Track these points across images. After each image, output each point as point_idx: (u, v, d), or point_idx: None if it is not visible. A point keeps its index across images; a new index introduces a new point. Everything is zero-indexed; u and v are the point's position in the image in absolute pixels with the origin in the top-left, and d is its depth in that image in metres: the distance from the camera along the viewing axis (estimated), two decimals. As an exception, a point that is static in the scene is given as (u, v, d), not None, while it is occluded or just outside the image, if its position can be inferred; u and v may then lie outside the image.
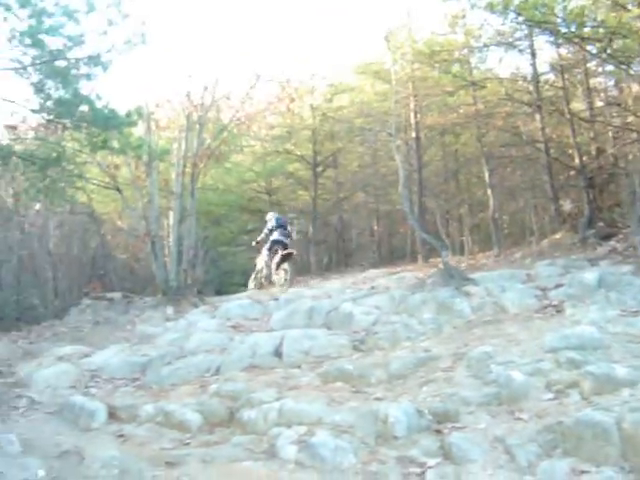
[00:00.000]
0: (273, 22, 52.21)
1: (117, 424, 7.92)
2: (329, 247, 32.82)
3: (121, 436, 7.42)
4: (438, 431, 6.65)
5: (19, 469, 6.13)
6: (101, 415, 8.06)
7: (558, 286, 11.78)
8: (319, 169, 29.58)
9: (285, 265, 17.02)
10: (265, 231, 18.28)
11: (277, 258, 16.95)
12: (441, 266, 14.36)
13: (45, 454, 6.65)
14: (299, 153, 29.80)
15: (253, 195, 31.28)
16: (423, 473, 5.91)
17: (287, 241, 17.21)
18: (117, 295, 17.71)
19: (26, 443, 6.87)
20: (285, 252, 16.83)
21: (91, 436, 7.47)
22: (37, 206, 20.39)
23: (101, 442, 7.19)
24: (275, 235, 17.31)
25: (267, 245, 17.59)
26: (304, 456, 6.33)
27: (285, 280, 16.81)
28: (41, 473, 6.12)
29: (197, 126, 19.93)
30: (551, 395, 6.92)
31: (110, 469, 6.23)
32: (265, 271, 17.94)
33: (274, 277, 17.57)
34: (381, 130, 24.64)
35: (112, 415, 8.16)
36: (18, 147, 14.42)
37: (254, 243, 18.97)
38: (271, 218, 18.28)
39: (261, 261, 18.31)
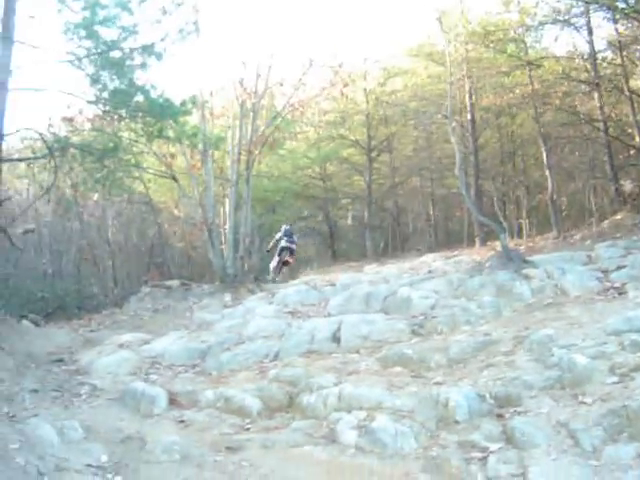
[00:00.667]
0: (326, 6, 51.89)
1: (178, 410, 7.98)
2: (385, 232, 32.68)
3: (182, 422, 7.48)
4: (500, 415, 6.57)
5: (82, 454, 6.21)
6: (162, 401, 8.13)
7: (620, 268, 11.54)
8: (373, 154, 29.44)
9: (284, 269, 20.13)
10: (275, 238, 19.91)
11: (280, 264, 19.50)
12: (499, 249, 14.18)
13: (107, 440, 6.73)
14: (353, 138, 29.70)
15: (308, 181, 31.29)
16: (485, 458, 5.83)
17: (293, 246, 19.43)
18: (175, 283, 17.88)
19: (89, 429, 6.96)
20: (285, 259, 19.40)
21: (152, 422, 7.54)
22: (95, 196, 20.68)
23: (162, 428, 7.25)
24: (283, 242, 19.28)
25: (277, 251, 19.49)
26: (364, 441, 6.31)
27: (282, 280, 19.48)
28: (104, 458, 6.19)
29: (251, 113, 19.97)
30: (615, 378, 6.75)
31: (172, 454, 6.29)
32: (272, 274, 19.64)
33: (277, 278, 19.49)
34: (436, 113, 24.44)
35: (172, 401, 8.23)
36: (75, 138, 14.58)
37: (267, 251, 20.77)
38: (281, 229, 20.12)
39: (272, 265, 19.92)
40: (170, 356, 10.60)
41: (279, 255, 19.45)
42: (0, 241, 10.62)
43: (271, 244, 20.13)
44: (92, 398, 8.53)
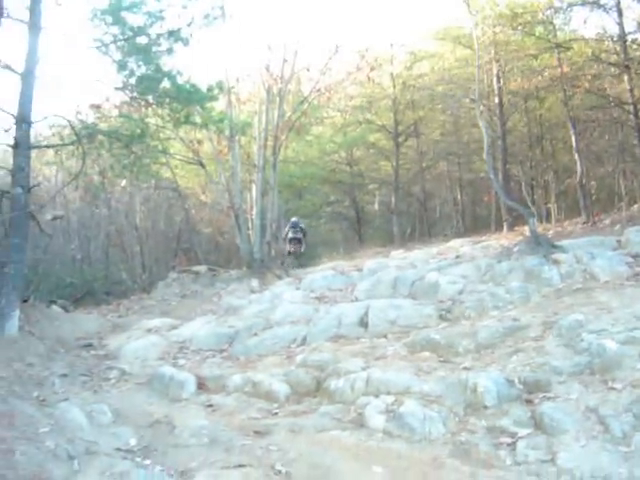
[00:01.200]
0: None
1: (206, 394, 8.04)
2: (412, 217, 32.58)
3: (210, 406, 7.52)
4: (529, 401, 6.52)
5: (111, 438, 6.27)
6: (190, 385, 8.19)
7: (650, 252, 11.42)
8: (400, 138, 29.28)
9: (292, 256, 21.43)
10: (285, 230, 21.32)
11: (289, 251, 21.12)
12: (528, 234, 14.07)
13: (136, 423, 6.80)
14: (380, 123, 29.55)
15: (334, 167, 31.25)
16: (514, 443, 5.82)
17: (299, 236, 21.08)
18: (202, 268, 17.98)
19: (118, 413, 7.04)
20: (292, 248, 21.06)
21: (181, 406, 7.60)
22: (123, 182, 20.78)
23: (191, 412, 7.30)
24: (290, 234, 20.89)
25: (287, 241, 21.11)
26: (392, 426, 6.30)
27: (292, 265, 20.55)
28: (133, 442, 6.25)
29: (277, 99, 19.95)
30: (646, 364, 6.68)
31: (200, 438, 6.33)
32: (285, 260, 20.57)
33: (288, 262, 20.30)
34: (463, 96, 24.26)
35: (201, 385, 8.30)
36: (103, 125, 14.63)
37: (283, 239, 21.78)
38: (290, 221, 21.64)
39: (285, 253, 21.26)
40: (198, 341, 10.68)
41: (289, 244, 20.90)
42: (29, 227, 10.67)
43: (284, 234, 21.14)
44: (121, 382, 8.61)
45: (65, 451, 5.57)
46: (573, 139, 21.01)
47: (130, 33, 11.88)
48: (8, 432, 5.56)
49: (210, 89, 13.05)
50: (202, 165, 19.52)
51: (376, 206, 34.63)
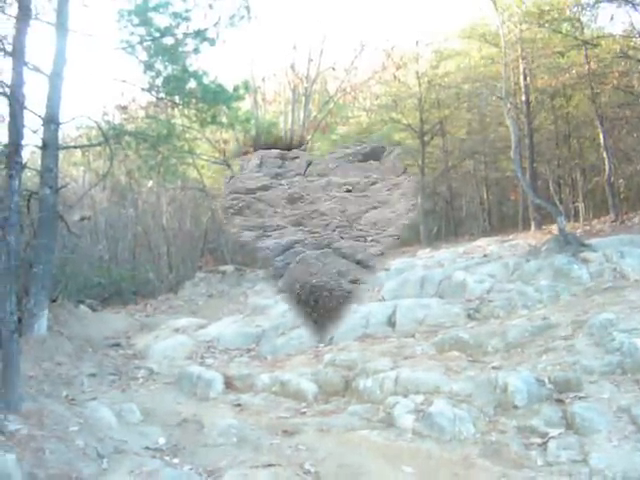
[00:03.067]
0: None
1: (234, 394, 8.04)
2: (438, 216, 32.43)
3: (238, 405, 7.53)
4: (560, 400, 6.44)
5: (140, 437, 6.28)
6: (218, 385, 8.21)
7: (681, 250, 11.30)
8: (426, 137, 29.12)
9: None
10: None
11: None
12: (556, 232, 13.96)
13: (165, 422, 6.81)
14: (405, 122, 29.42)
15: (360, 166, 31.19)
16: (545, 443, 5.75)
17: None
18: (229, 268, 18.05)
19: (146, 412, 7.06)
20: None
21: (209, 405, 7.62)
22: (150, 183, 20.90)
23: (219, 411, 7.31)
24: None
25: None
26: (422, 425, 6.25)
27: None
28: (161, 441, 6.26)
29: (303, 98, 19.97)
30: (679, 363, 6.60)
31: (229, 437, 6.33)
32: None
33: None
34: (489, 95, 24.12)
35: (228, 385, 8.31)
36: (130, 126, 14.74)
37: None
38: None
39: None
40: (225, 340, 10.71)
41: None
42: (57, 228, 10.75)
43: None
44: (149, 382, 8.66)
45: (94, 450, 5.58)
46: (601, 137, 20.82)
47: (157, 34, 11.94)
48: (38, 431, 5.58)
49: (236, 89, 13.09)
50: (228, 165, 19.59)
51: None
